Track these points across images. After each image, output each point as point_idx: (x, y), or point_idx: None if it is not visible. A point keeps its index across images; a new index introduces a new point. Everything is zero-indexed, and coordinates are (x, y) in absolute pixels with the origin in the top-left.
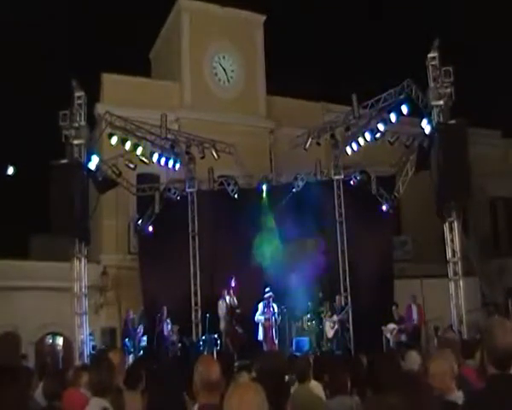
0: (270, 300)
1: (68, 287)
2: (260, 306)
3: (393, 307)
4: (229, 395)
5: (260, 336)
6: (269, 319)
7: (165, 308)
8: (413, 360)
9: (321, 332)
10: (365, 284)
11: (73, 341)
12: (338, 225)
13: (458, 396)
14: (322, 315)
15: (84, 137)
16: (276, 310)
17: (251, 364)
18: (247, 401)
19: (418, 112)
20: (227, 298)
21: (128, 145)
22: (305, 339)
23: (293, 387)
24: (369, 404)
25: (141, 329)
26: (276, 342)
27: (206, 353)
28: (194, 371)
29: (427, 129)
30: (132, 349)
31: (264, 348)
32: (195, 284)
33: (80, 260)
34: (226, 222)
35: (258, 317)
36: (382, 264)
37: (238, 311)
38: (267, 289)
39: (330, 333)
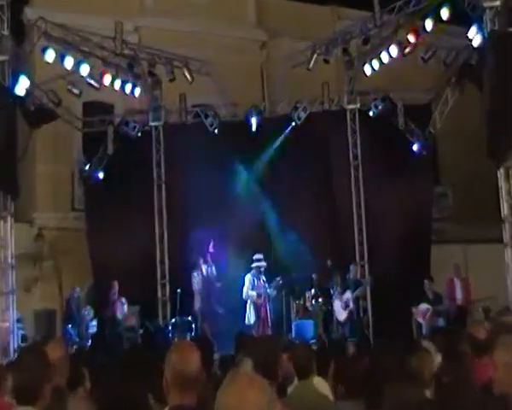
0: (262, 270)
1: None
2: (248, 278)
3: (427, 282)
4: (224, 391)
5: (249, 319)
6: (261, 296)
7: (116, 283)
8: None
9: (329, 314)
10: (390, 250)
11: None
12: (352, 170)
13: None
14: (332, 291)
15: (8, 52)
16: (270, 285)
17: (236, 355)
18: (250, 401)
19: (463, 17)
20: (204, 268)
21: (70, 63)
22: (309, 322)
23: (292, 385)
24: None
25: (89, 311)
26: (270, 323)
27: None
28: (166, 362)
29: (477, 40)
30: (77, 338)
31: (254, 333)
32: (162, 250)
33: (5, 220)
34: (203, 166)
35: (249, 292)
36: (414, 222)
37: (218, 285)
38: (257, 257)
39: (342, 315)
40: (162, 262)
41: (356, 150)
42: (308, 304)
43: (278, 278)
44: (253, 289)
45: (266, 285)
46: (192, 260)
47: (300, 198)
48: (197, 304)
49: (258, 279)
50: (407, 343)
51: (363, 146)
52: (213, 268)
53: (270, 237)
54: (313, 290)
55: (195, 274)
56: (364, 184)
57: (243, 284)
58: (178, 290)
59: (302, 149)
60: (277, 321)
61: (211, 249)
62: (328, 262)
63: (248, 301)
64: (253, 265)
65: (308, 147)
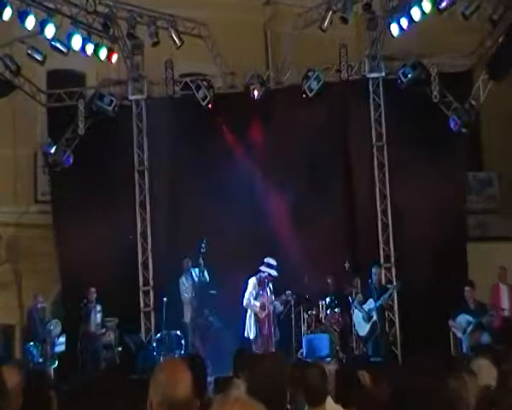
0: (271, 279)
1: None
2: (252, 282)
3: (467, 289)
4: None
5: (248, 332)
6: (265, 308)
7: (94, 290)
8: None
9: (348, 327)
10: (421, 250)
11: None
12: (376, 151)
13: None
14: (351, 299)
15: None
16: (276, 297)
17: (234, 376)
18: None
19: None
20: (194, 272)
21: (31, 23)
22: (323, 337)
23: None
24: None
25: (56, 325)
26: (274, 340)
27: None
28: (150, 385)
29: None
30: (41, 359)
31: (256, 349)
32: (145, 250)
33: None
34: (194, 149)
35: (251, 301)
36: (449, 217)
37: (213, 292)
38: (269, 262)
39: (364, 328)
40: (145, 265)
41: (380, 129)
42: (322, 315)
43: (288, 293)
44: (256, 298)
45: (273, 297)
46: (180, 264)
47: (312, 187)
48: (187, 315)
49: (264, 288)
50: (445, 363)
51: (389, 124)
52: (206, 273)
53: (275, 234)
54: (328, 298)
55: (184, 280)
56: (390, 170)
57: (245, 289)
58: (165, 299)
59: (314, 128)
60: (284, 335)
61: (203, 249)
62: (346, 265)
63: (249, 311)
64: (263, 268)
65: (322, 125)
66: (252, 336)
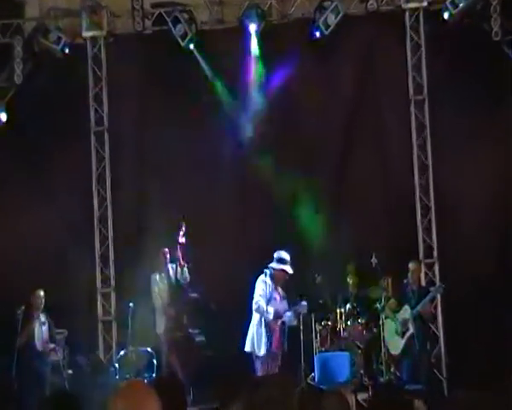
0: (285, 279)
1: None
2: (262, 283)
3: None
4: None
5: (257, 346)
6: (279, 314)
7: (41, 295)
8: None
9: (376, 343)
10: (475, 242)
11: None
12: (414, 108)
13: None
14: (379, 306)
15: None
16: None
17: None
18: None
19: None
20: (172, 269)
21: None
22: (342, 356)
23: None
24: None
25: None
26: (280, 363)
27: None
28: None
29: None
30: None
31: (262, 370)
32: (104, 239)
33: None
34: (170, 102)
35: (265, 307)
36: None
37: (194, 295)
38: (282, 256)
39: (397, 345)
40: (104, 259)
41: (419, 78)
42: (340, 326)
43: (304, 304)
44: (268, 302)
45: (285, 304)
46: (153, 256)
47: (329, 157)
48: (161, 326)
49: (276, 291)
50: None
51: (432, 71)
52: (186, 269)
53: (280, 218)
54: (349, 305)
55: (158, 278)
56: (433, 134)
57: (241, 290)
58: (131, 305)
59: (332, 77)
60: (290, 353)
61: (181, 239)
62: (373, 260)
63: (256, 318)
64: (274, 266)
65: (340, 72)
66: (261, 352)
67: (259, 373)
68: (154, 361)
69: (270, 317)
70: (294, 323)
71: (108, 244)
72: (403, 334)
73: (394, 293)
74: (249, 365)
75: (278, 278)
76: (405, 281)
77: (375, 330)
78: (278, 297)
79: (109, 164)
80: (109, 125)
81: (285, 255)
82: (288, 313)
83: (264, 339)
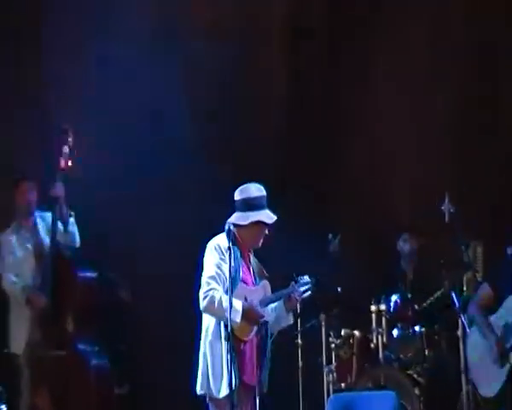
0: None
1: None
2: (213, 252)
3: None
4: None
5: (202, 382)
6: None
7: None
8: None
9: (449, 370)
10: None
11: None
12: None
13: None
14: (459, 305)
15: None
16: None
17: None
18: None
19: None
20: (44, 223)
21: None
22: (382, 397)
23: None
24: None
25: None
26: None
27: None
28: None
29: None
30: None
31: None
32: None
33: None
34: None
35: (232, 303)
36: None
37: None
38: (246, 194)
39: (493, 379)
40: None
41: None
42: (379, 339)
43: (305, 278)
44: (233, 290)
45: (264, 287)
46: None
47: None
48: (17, 339)
49: (244, 264)
50: None
51: None
52: (73, 222)
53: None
54: (396, 296)
55: (12, 242)
56: None
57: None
58: None
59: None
60: (282, 387)
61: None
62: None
63: (211, 328)
64: (237, 218)
65: None
66: (221, 393)
67: None
68: (3, 408)
69: (238, 319)
70: (290, 322)
71: None
72: (501, 357)
73: (487, 274)
74: None
75: (247, 240)
76: (509, 250)
77: (448, 347)
78: (249, 277)
79: None
80: None
81: (256, 191)
82: (273, 305)
83: (226, 366)
